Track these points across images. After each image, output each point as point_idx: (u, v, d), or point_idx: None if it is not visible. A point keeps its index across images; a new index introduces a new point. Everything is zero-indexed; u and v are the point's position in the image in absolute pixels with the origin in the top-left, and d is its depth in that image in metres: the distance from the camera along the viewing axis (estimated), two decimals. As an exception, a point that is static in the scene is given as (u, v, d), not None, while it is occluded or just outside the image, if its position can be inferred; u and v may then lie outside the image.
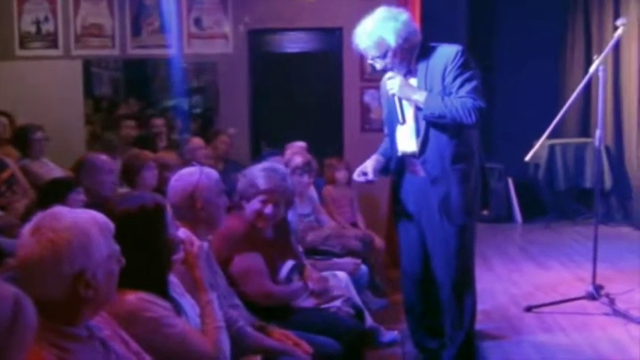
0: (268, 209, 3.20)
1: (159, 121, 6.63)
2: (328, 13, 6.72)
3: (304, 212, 4.83)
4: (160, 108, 7.18)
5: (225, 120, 6.97)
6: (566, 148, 7.83)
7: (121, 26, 7.03)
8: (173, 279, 2.29)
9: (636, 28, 7.28)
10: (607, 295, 4.58)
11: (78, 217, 1.68)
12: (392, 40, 3.32)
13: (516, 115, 8.27)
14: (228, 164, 6.04)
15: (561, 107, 4.68)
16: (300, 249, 3.85)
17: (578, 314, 4.51)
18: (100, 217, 1.74)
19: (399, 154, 3.56)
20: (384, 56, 3.37)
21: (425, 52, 3.42)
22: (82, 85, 7.10)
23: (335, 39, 6.72)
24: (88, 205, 2.97)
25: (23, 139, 5.17)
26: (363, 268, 4.48)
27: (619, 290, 4.73)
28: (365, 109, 6.81)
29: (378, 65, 3.45)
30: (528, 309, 4.64)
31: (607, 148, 7.62)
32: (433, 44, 3.45)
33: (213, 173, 2.85)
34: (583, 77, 4.76)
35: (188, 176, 2.78)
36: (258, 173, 3.26)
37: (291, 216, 3.81)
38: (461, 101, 3.26)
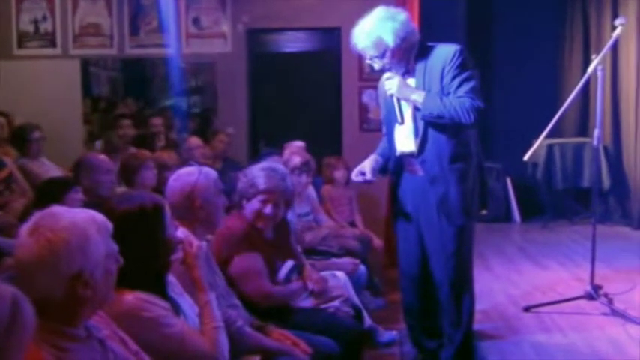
0: (268, 209, 3.20)
1: (157, 121, 6.62)
2: (326, 12, 6.72)
3: (303, 212, 4.84)
4: (158, 107, 7.17)
5: (224, 120, 6.97)
6: (565, 147, 7.83)
7: (119, 26, 7.03)
8: (172, 279, 2.29)
9: (634, 28, 7.28)
10: (605, 295, 4.58)
11: (76, 217, 1.68)
12: (390, 40, 3.32)
13: (515, 115, 8.27)
14: (227, 164, 6.03)
15: (560, 107, 4.68)
16: (299, 249, 3.85)
17: (577, 314, 4.52)
18: (98, 216, 1.74)
19: (398, 154, 3.56)
20: (382, 56, 3.37)
21: (423, 51, 3.42)
22: (80, 85, 7.09)
23: (333, 39, 6.71)
24: (87, 205, 2.96)
25: (21, 139, 5.16)
26: (362, 267, 4.48)
27: (617, 290, 4.73)
28: (363, 109, 6.81)
29: (377, 65, 3.45)
30: (526, 309, 4.64)
31: (605, 148, 7.62)
32: (431, 44, 3.45)
33: (212, 173, 2.85)
34: (581, 77, 4.75)
35: (186, 176, 2.78)
36: (258, 173, 3.26)
37: (290, 216, 3.82)
38: (459, 101, 3.26)
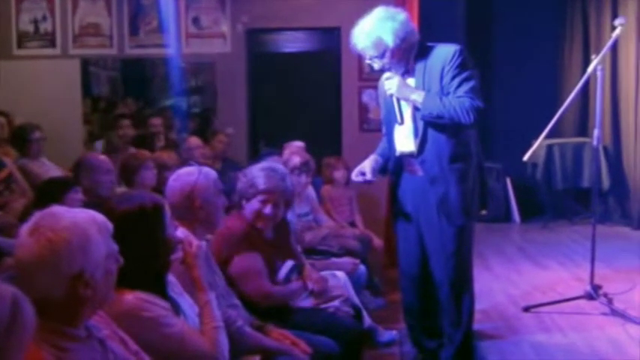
0: (268, 209, 3.20)
1: (157, 121, 6.62)
2: (326, 12, 6.72)
3: (302, 212, 4.84)
4: (157, 107, 7.17)
5: (223, 119, 6.97)
6: (565, 147, 7.83)
7: (118, 26, 7.03)
8: (171, 278, 2.29)
9: (634, 28, 7.29)
10: (605, 295, 4.58)
11: (77, 217, 1.68)
12: (390, 40, 3.32)
13: (514, 115, 8.27)
14: (226, 164, 6.03)
15: (559, 107, 4.68)
16: (299, 249, 3.85)
17: (576, 314, 4.52)
18: (98, 216, 1.74)
19: (397, 154, 3.55)
20: (381, 56, 3.37)
21: (423, 51, 3.42)
22: (79, 85, 7.09)
23: (333, 38, 6.71)
24: (87, 205, 2.96)
25: (21, 139, 5.16)
26: (362, 267, 4.48)
27: (617, 290, 4.73)
28: (363, 109, 6.81)
29: (376, 65, 3.45)
30: (526, 309, 4.64)
31: (605, 148, 7.62)
32: (431, 44, 3.45)
33: (212, 173, 2.85)
34: (581, 77, 4.75)
35: (186, 176, 2.78)
36: (257, 173, 3.26)
37: (290, 216, 3.82)
38: (459, 101, 3.26)
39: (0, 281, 1.40)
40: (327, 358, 2.83)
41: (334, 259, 4.45)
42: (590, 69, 4.55)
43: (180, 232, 2.49)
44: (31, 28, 7.05)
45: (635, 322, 4.27)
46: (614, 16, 6.61)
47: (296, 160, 4.70)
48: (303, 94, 7.02)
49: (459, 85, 3.29)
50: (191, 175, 2.77)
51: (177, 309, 2.21)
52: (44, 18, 7.03)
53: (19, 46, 7.08)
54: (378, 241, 5.27)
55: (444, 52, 3.35)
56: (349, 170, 4.66)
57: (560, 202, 8.07)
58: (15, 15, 7.06)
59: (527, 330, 4.30)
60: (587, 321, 4.41)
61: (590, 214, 7.20)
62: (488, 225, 7.47)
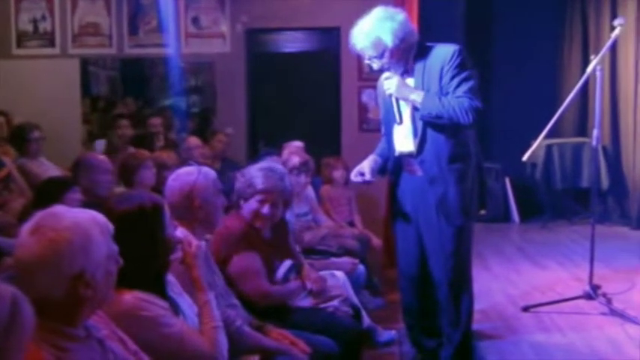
0: (266, 209, 3.20)
1: (156, 121, 6.61)
2: (325, 12, 6.72)
3: (301, 212, 4.84)
4: (157, 107, 7.17)
5: (223, 119, 6.97)
6: (564, 147, 7.83)
7: (118, 25, 7.03)
8: (171, 278, 2.29)
9: (633, 29, 7.29)
10: (604, 295, 4.58)
11: (78, 217, 1.68)
12: (389, 40, 3.32)
13: (514, 115, 8.27)
14: (226, 164, 6.03)
15: (559, 107, 4.69)
16: (298, 249, 3.85)
17: (575, 314, 4.52)
18: (99, 217, 1.74)
19: (397, 154, 3.55)
20: (381, 56, 3.37)
21: (422, 51, 3.42)
22: (79, 84, 7.10)
23: (332, 38, 6.71)
24: (85, 205, 2.96)
25: (20, 138, 5.16)
26: (361, 267, 4.48)
27: (616, 290, 4.74)
28: (363, 109, 6.81)
29: (375, 65, 3.44)
30: (525, 309, 4.64)
31: (604, 148, 7.62)
32: (430, 44, 3.45)
33: (211, 173, 2.85)
34: (580, 77, 4.76)
35: (186, 176, 2.78)
36: (255, 173, 3.26)
37: (288, 216, 3.82)
38: (458, 101, 3.27)
39: (-1, 281, 1.40)
40: (326, 357, 2.83)
41: (333, 259, 4.45)
42: (589, 69, 4.56)
43: (180, 232, 2.49)
44: (30, 28, 7.05)
45: (634, 322, 4.27)
46: (614, 16, 6.62)
47: (295, 160, 4.70)
48: (303, 94, 7.02)
49: (458, 85, 3.29)
50: (190, 175, 2.78)
51: (176, 309, 2.21)
52: (43, 17, 7.03)
53: (19, 45, 7.08)
54: (377, 241, 5.27)
55: (443, 52, 3.35)
56: (348, 170, 4.66)
57: (560, 202, 8.07)
58: (14, 14, 7.06)
59: (527, 330, 4.30)
60: (586, 321, 4.41)
61: (589, 214, 7.20)
62: (487, 225, 7.46)
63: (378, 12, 3.37)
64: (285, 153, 5.18)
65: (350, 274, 4.13)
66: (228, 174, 4.22)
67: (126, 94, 7.28)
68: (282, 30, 7.08)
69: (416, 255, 3.61)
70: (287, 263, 3.31)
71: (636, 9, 7.33)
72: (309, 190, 5.07)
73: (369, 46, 3.36)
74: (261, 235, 3.25)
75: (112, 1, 7.01)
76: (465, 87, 3.28)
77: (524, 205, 8.21)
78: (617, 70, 7.68)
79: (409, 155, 3.48)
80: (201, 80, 7.16)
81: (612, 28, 4.65)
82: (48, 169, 5.05)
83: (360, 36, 3.36)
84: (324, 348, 2.85)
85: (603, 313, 4.49)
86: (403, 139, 3.49)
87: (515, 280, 5.47)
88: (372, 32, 3.33)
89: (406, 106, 3.44)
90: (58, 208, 1.68)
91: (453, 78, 3.30)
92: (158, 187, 3.76)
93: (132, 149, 5.42)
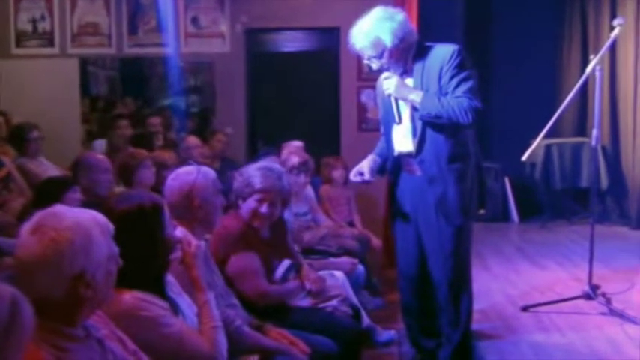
0: (264, 208, 3.20)
1: (155, 120, 6.62)
2: (325, 12, 6.72)
3: (301, 212, 4.84)
4: (156, 107, 7.17)
5: (222, 119, 6.97)
6: (563, 147, 7.83)
7: (117, 25, 7.03)
8: (170, 278, 2.29)
9: (633, 29, 7.29)
10: (603, 295, 4.58)
11: (79, 217, 1.67)
12: (388, 40, 3.32)
13: (513, 115, 8.27)
14: (225, 163, 6.03)
15: (558, 107, 4.69)
16: (297, 248, 3.85)
17: (575, 314, 4.52)
18: (100, 217, 1.74)
19: (396, 153, 3.56)
20: (380, 56, 3.37)
21: (421, 51, 3.42)
22: (78, 84, 7.09)
23: (332, 38, 6.71)
24: (85, 204, 2.96)
25: (20, 138, 5.16)
26: (360, 267, 4.48)
27: (615, 290, 4.74)
28: (362, 109, 6.81)
29: (375, 65, 3.45)
30: (525, 308, 4.64)
31: (603, 148, 7.62)
32: (429, 44, 3.45)
33: (211, 172, 2.85)
34: (580, 77, 4.76)
35: (185, 175, 2.78)
36: (254, 172, 3.26)
37: (287, 215, 3.82)
38: (457, 101, 3.27)
39: (-1, 281, 1.40)
40: (325, 357, 2.83)
41: (333, 259, 4.45)
42: (588, 69, 4.56)
43: (179, 232, 2.48)
44: (29, 28, 7.05)
45: (633, 322, 4.27)
46: (613, 16, 6.61)
47: (294, 159, 4.70)
48: (302, 94, 7.02)
49: (458, 85, 3.29)
50: (190, 175, 2.78)
51: (175, 308, 2.21)
52: (43, 17, 7.03)
53: (18, 45, 7.08)
54: (376, 241, 5.27)
55: (443, 52, 3.35)
56: (348, 170, 4.66)
57: (559, 202, 8.07)
58: (13, 14, 7.05)
59: (526, 330, 4.31)
60: (586, 321, 4.42)
61: (588, 214, 7.20)
62: (486, 225, 7.47)
63: (377, 12, 3.37)
64: (285, 153, 5.18)
65: (349, 274, 4.13)
66: (228, 174, 4.22)
67: (125, 93, 7.27)
68: (281, 30, 7.08)
69: (415, 255, 3.61)
70: (286, 263, 3.31)
71: (635, 9, 7.33)
72: (309, 190, 5.07)
73: (369, 46, 3.36)
74: (260, 235, 3.25)
75: (112, 1, 7.01)
76: (464, 87, 3.28)
77: (524, 205, 8.22)
78: (616, 70, 7.68)
79: (408, 155, 3.48)
80: (201, 80, 7.16)
81: (611, 28, 4.65)
82: (47, 168, 5.05)
83: (359, 36, 3.36)
84: (323, 348, 2.86)
85: (602, 313, 4.49)
86: (402, 139, 3.49)
87: (515, 280, 5.48)
88: (371, 32, 3.33)
89: (405, 106, 3.44)
90: (59, 208, 1.68)
91: (452, 78, 3.30)
92: (157, 187, 3.75)
93: (131, 149, 5.42)
